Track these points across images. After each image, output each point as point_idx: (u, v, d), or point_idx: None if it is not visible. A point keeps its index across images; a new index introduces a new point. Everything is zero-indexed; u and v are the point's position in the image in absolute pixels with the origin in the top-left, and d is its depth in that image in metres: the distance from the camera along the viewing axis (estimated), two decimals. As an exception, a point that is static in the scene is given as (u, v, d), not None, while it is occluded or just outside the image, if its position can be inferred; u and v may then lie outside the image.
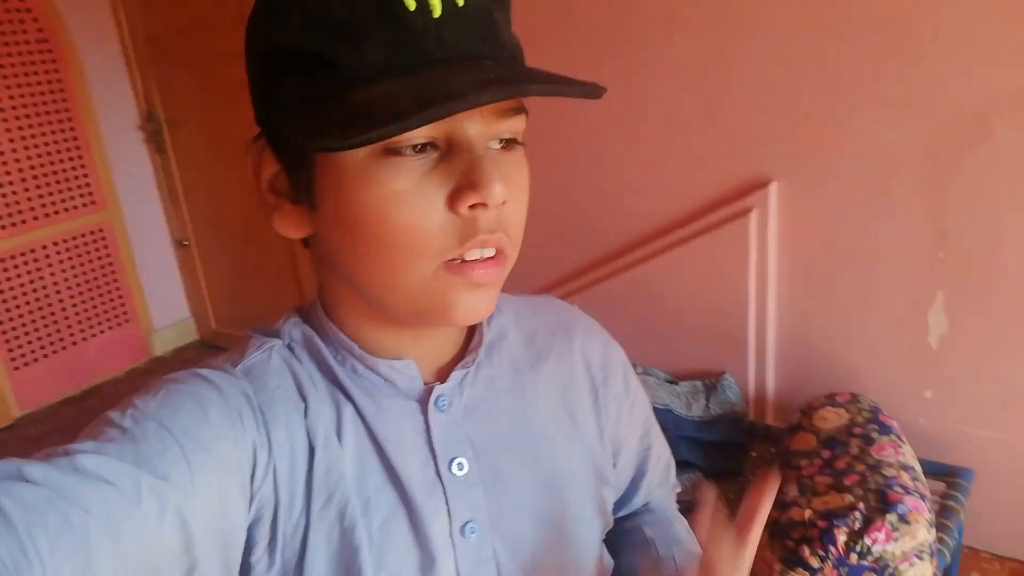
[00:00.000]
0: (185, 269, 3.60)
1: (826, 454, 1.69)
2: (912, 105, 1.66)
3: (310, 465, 0.55)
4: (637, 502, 0.81)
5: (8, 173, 2.93)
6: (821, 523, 1.44)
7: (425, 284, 0.52)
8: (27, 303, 3.06)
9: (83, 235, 3.21)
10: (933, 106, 1.64)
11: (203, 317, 3.65)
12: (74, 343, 3.24)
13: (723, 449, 1.96)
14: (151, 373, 3.45)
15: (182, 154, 3.35)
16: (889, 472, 1.55)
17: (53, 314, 3.15)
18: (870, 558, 1.37)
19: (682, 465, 1.95)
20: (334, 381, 0.59)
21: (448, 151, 0.50)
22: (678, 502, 0.84)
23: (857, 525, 1.41)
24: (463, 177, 0.49)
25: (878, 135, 1.71)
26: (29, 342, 3.08)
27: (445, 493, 0.59)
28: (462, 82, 0.45)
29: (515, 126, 0.53)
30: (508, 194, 0.50)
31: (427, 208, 0.49)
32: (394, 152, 0.48)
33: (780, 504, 1.59)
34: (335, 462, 0.56)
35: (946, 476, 1.74)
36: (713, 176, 1.96)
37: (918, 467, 1.61)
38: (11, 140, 2.93)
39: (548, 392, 0.67)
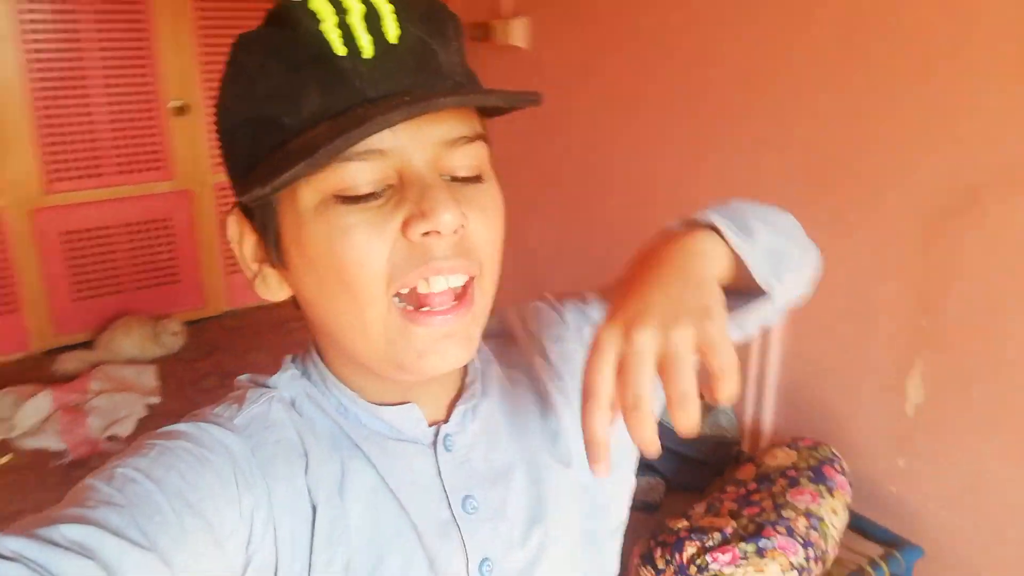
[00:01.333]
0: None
1: (752, 486, 1.74)
2: (901, 172, 1.64)
3: (313, 524, 0.53)
4: None
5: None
6: (683, 533, 1.54)
7: (385, 323, 0.51)
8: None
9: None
10: (922, 175, 1.60)
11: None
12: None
13: (695, 465, 2.05)
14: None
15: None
16: (787, 513, 1.58)
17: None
18: (706, 574, 1.46)
19: (646, 469, 2.07)
20: (339, 434, 0.58)
21: (401, 186, 0.49)
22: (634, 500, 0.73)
23: (710, 543, 1.49)
24: (414, 205, 0.48)
25: (871, 196, 1.70)
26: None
27: (461, 533, 0.58)
28: (377, 111, 0.45)
29: (471, 156, 0.52)
30: (465, 217, 0.49)
31: (380, 237, 0.49)
32: (348, 199, 0.49)
33: (683, 514, 1.69)
34: (338, 519, 0.54)
35: (888, 545, 1.69)
36: None
37: (833, 521, 1.61)
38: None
39: (529, 408, 0.66)
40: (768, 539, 1.48)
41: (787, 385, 2.02)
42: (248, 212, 0.55)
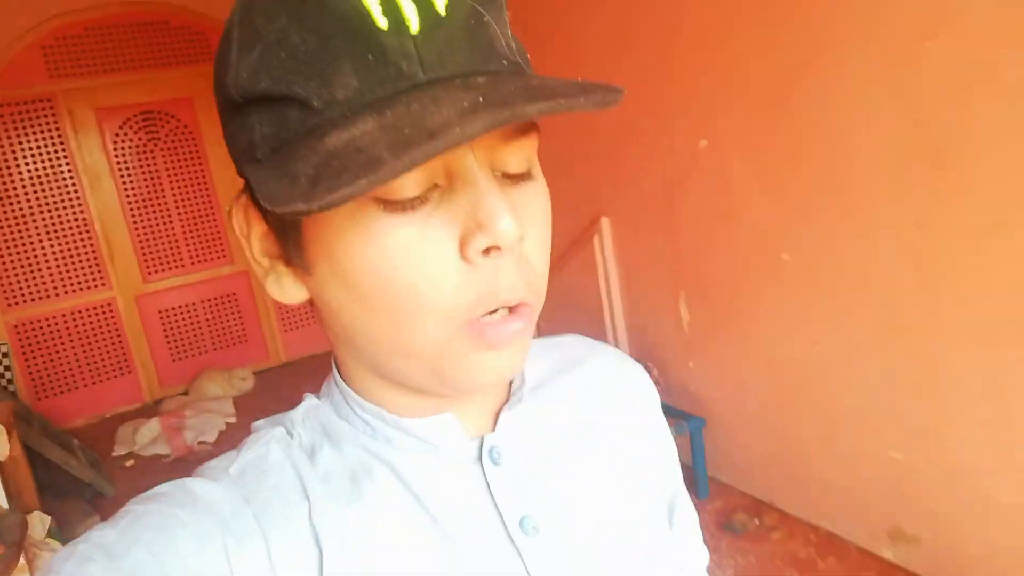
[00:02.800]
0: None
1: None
2: (650, 164, 2.56)
3: (320, 570, 0.45)
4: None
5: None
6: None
7: (440, 348, 0.43)
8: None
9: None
10: (661, 165, 2.52)
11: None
12: (316, 320, 5.13)
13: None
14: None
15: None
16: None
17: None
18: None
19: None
20: (366, 465, 0.49)
21: (450, 188, 0.41)
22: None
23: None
24: (469, 217, 0.40)
25: (634, 184, 2.63)
26: (288, 312, 5.04)
27: (522, 558, 0.49)
28: (446, 112, 0.35)
29: (525, 149, 0.44)
30: (524, 230, 0.42)
31: (436, 260, 0.41)
32: (391, 205, 0.40)
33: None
34: (355, 563, 0.46)
35: (678, 418, 2.55)
36: (575, 216, 2.98)
37: None
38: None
39: (599, 435, 0.59)
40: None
41: (632, 336, 2.92)
42: (256, 199, 0.45)
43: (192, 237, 4.69)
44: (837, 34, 1.82)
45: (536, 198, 0.46)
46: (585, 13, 2.61)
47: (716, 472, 2.64)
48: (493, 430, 0.53)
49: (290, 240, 0.45)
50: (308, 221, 0.43)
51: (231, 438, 3.95)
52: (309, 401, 0.54)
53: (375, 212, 0.40)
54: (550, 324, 3.21)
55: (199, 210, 4.70)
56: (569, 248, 3.05)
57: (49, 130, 4.22)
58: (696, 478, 2.57)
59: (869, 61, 1.77)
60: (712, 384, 2.56)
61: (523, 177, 0.45)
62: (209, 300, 4.78)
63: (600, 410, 0.60)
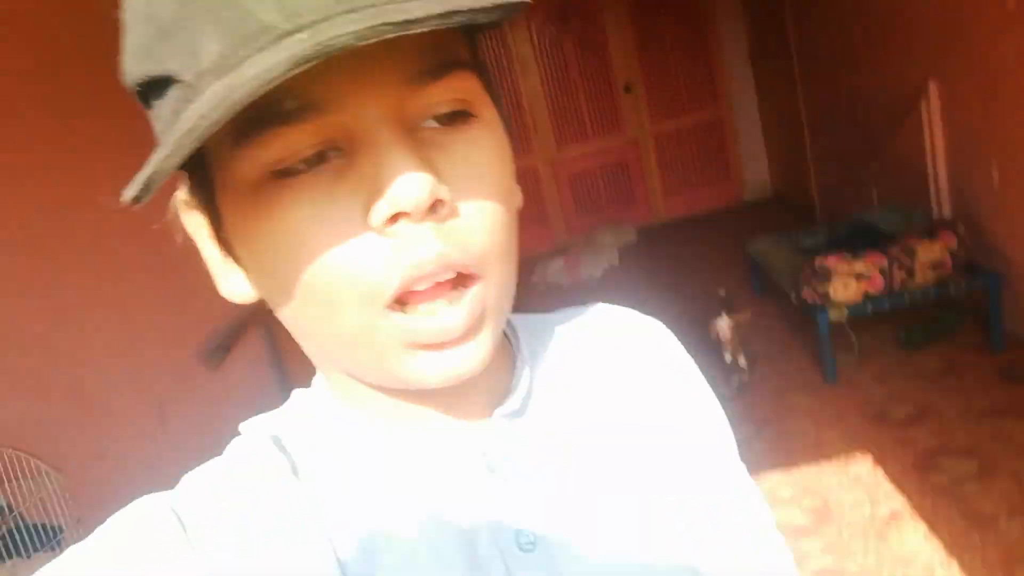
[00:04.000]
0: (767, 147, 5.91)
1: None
2: (972, 24, 2.76)
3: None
4: None
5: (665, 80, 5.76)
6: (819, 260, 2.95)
7: (370, 337, 0.38)
8: (675, 156, 5.93)
9: (706, 123, 5.91)
10: (978, 25, 2.77)
11: (774, 179, 5.91)
12: (691, 186, 5.98)
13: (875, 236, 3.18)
14: (741, 212, 5.80)
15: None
16: (890, 248, 2.87)
17: (684, 167, 5.96)
18: (820, 270, 2.90)
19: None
20: (351, 468, 0.44)
21: (353, 151, 0.36)
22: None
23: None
24: (370, 181, 0.35)
25: (957, 47, 2.87)
26: (669, 178, 6.00)
27: None
28: (281, 56, 0.30)
29: (447, 92, 0.37)
30: (445, 188, 0.35)
31: (343, 230, 0.36)
32: (286, 173, 0.36)
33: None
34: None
35: (979, 276, 2.94)
36: (901, 78, 3.34)
37: (923, 252, 2.82)
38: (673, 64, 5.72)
39: (622, 429, 0.50)
40: (865, 251, 2.76)
41: (951, 196, 3.30)
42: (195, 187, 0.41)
43: (593, 112, 5.72)
44: None
45: (477, 143, 0.38)
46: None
47: (1014, 325, 2.92)
48: (491, 432, 0.45)
49: (219, 231, 0.41)
50: (226, 211, 0.39)
51: (613, 276, 5.06)
52: (296, 399, 0.48)
53: (273, 186, 0.36)
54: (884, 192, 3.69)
55: (600, 88, 5.64)
56: (896, 111, 3.41)
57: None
58: (991, 329, 2.91)
59: None
60: (1016, 243, 2.83)
61: (458, 119, 0.38)
62: (604, 166, 5.78)
63: (625, 397, 0.51)
